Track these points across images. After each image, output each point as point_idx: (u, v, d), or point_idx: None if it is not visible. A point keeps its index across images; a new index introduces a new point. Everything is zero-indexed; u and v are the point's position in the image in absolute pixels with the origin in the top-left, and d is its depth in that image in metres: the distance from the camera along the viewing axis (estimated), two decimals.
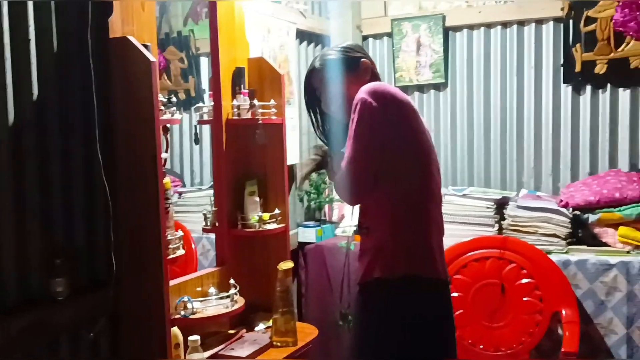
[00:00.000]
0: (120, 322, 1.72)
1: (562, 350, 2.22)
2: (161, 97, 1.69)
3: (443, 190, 2.76)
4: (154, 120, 1.61)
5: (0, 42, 1.45)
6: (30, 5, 1.52)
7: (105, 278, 1.69)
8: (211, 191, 2.19)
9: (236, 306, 1.93)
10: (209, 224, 2.13)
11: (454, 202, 2.71)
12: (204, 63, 2.55)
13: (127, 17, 1.70)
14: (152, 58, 1.61)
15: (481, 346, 2.46)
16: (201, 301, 1.88)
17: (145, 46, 1.65)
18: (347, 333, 2.51)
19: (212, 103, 2.11)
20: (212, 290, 1.96)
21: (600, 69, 2.73)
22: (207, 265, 2.36)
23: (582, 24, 2.72)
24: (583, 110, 2.83)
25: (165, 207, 1.68)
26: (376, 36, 3.25)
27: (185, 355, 1.76)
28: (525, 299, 2.42)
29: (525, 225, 2.54)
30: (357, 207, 1.66)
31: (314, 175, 2.94)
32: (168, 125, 1.80)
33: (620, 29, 2.62)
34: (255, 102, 2.11)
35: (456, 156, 3.11)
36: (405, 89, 3.13)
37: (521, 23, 2.92)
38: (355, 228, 1.70)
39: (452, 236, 2.55)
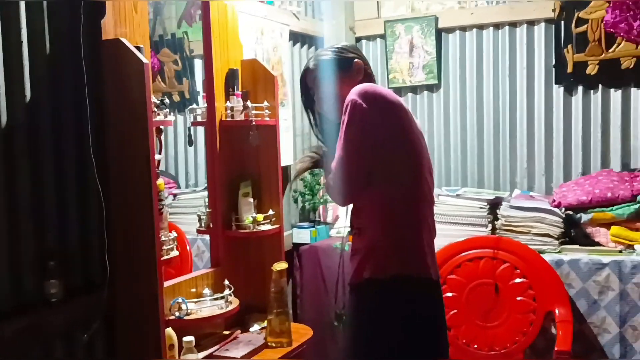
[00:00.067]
0: (114, 324, 1.72)
1: (556, 349, 2.23)
2: (154, 99, 1.69)
3: (436, 191, 2.78)
4: (146, 122, 1.61)
5: None
6: (22, 6, 1.52)
7: (99, 280, 1.69)
8: (206, 193, 2.19)
9: (231, 307, 1.93)
10: (203, 225, 2.13)
11: (448, 203, 2.72)
12: (198, 65, 2.55)
13: (120, 19, 1.70)
14: (144, 60, 1.62)
15: (475, 346, 2.47)
16: (195, 302, 1.89)
17: (138, 48, 1.65)
18: (342, 333, 2.51)
19: (206, 105, 2.11)
20: (206, 291, 1.96)
21: (591, 69, 2.75)
22: (202, 266, 2.36)
23: (573, 25, 2.74)
24: (575, 111, 2.85)
25: (159, 208, 1.68)
26: (369, 38, 3.26)
27: (179, 356, 1.76)
28: (518, 298, 2.43)
29: (519, 225, 2.55)
30: (350, 208, 1.67)
31: (308, 177, 2.95)
32: (161, 126, 1.80)
33: (611, 30, 2.64)
34: (249, 103, 2.11)
35: (449, 157, 3.12)
36: (398, 90, 3.14)
37: (513, 24, 2.94)
38: (349, 229, 1.71)
39: (446, 236, 2.57)
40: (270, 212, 2.19)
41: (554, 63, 2.84)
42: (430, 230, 1.61)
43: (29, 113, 1.54)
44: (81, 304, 1.65)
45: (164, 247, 1.71)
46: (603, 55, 2.71)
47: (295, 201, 2.96)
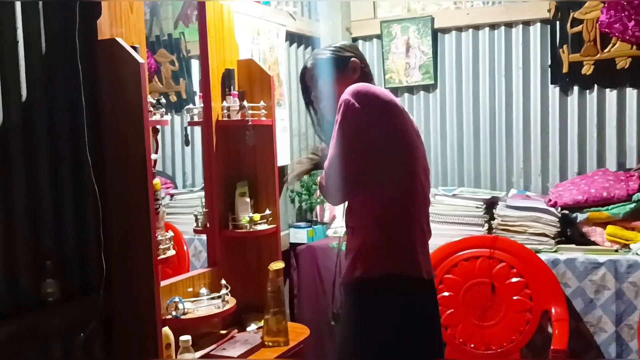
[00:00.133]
0: (111, 323, 1.72)
1: (552, 347, 2.23)
2: (150, 99, 1.69)
3: (433, 191, 2.79)
4: (143, 122, 1.62)
5: None
6: (18, 7, 1.52)
7: (96, 279, 1.69)
8: (203, 193, 2.20)
9: (227, 306, 1.93)
10: (200, 225, 2.13)
11: (444, 202, 2.73)
12: (195, 65, 2.56)
13: (116, 20, 1.70)
14: (140, 60, 1.62)
15: (472, 345, 2.47)
16: (192, 301, 1.89)
17: (134, 48, 1.66)
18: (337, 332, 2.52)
19: (202, 105, 2.12)
20: (203, 290, 1.96)
21: (587, 69, 2.76)
22: (199, 266, 2.36)
23: (568, 25, 2.75)
24: (571, 111, 2.86)
25: (156, 207, 1.69)
26: (365, 38, 3.27)
27: (176, 356, 1.76)
28: (515, 297, 2.44)
29: (515, 224, 2.56)
30: (345, 208, 1.68)
31: (305, 177, 2.96)
32: (158, 126, 1.80)
33: (606, 30, 2.65)
34: (245, 103, 2.12)
35: (446, 157, 3.13)
36: (395, 90, 3.15)
37: (509, 25, 2.95)
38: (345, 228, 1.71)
39: (442, 236, 2.57)
40: (267, 211, 2.19)
41: (549, 63, 2.85)
42: (424, 230, 1.60)
43: (25, 113, 1.54)
44: (78, 304, 1.65)
45: (161, 247, 1.72)
46: (598, 55, 2.72)
47: (292, 201, 2.96)
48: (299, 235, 2.88)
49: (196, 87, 2.52)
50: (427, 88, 3.15)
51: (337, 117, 1.51)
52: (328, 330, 2.68)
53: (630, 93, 2.73)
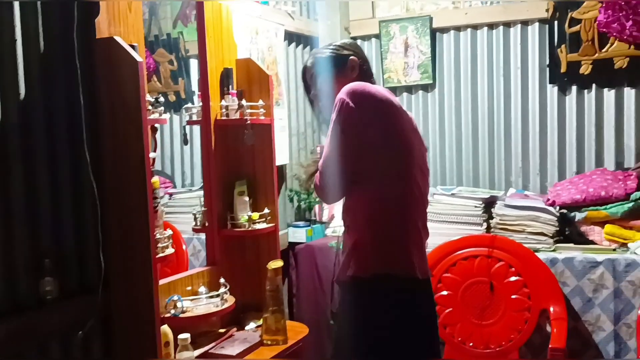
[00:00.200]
0: (110, 322, 1.72)
1: (550, 346, 2.23)
2: (148, 97, 1.69)
3: (431, 190, 2.78)
4: (141, 120, 1.62)
5: None
6: (16, 5, 1.52)
7: (94, 278, 1.69)
8: (201, 192, 2.20)
9: (226, 305, 1.93)
10: (198, 223, 2.14)
11: (443, 202, 2.73)
12: (194, 65, 2.56)
13: (114, 18, 1.71)
14: (138, 58, 1.62)
15: (471, 344, 2.47)
16: (191, 300, 1.89)
17: (132, 47, 1.66)
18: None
19: (201, 104, 2.12)
20: (202, 289, 1.97)
21: (585, 69, 2.76)
22: (198, 265, 2.37)
23: (566, 25, 2.76)
24: (569, 111, 2.86)
25: (154, 206, 1.69)
26: (364, 38, 3.27)
27: (175, 354, 1.76)
28: (513, 296, 2.44)
29: (513, 223, 2.56)
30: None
31: (303, 176, 2.96)
32: (156, 125, 1.81)
33: (604, 29, 2.65)
34: (244, 102, 2.12)
35: (445, 156, 3.13)
36: (393, 90, 3.15)
37: (507, 24, 2.95)
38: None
39: (441, 235, 2.58)
40: (266, 210, 2.20)
41: (547, 63, 2.86)
42: (419, 230, 1.59)
43: (23, 112, 1.54)
44: (77, 302, 1.65)
45: (159, 245, 1.72)
46: (596, 55, 2.73)
47: (291, 200, 2.96)
48: (298, 235, 2.88)
49: (195, 86, 2.53)
50: (426, 88, 3.16)
51: (332, 116, 1.52)
52: (327, 329, 2.68)
53: (628, 92, 2.74)
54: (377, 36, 3.20)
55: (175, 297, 1.83)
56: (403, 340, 1.51)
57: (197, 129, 2.26)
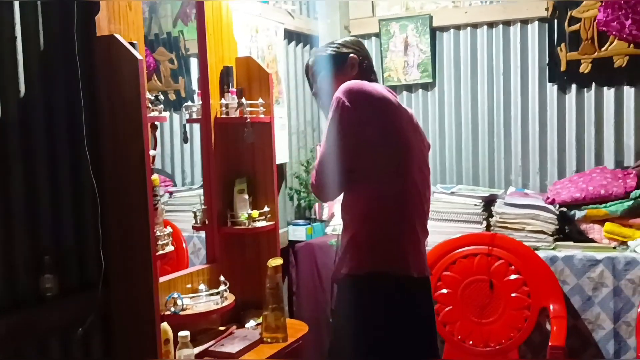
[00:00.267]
0: (110, 319, 1.72)
1: (550, 344, 2.23)
2: (148, 95, 1.70)
3: (431, 188, 2.79)
4: (141, 118, 1.62)
5: None
6: (16, 3, 1.52)
7: (94, 275, 1.69)
8: (201, 190, 2.20)
9: (226, 303, 1.94)
10: (198, 221, 2.14)
11: (443, 200, 2.73)
12: (194, 64, 2.56)
13: (114, 16, 1.71)
14: (139, 56, 1.63)
15: (470, 342, 2.48)
16: (191, 298, 1.89)
17: (132, 44, 1.66)
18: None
19: (201, 102, 2.12)
20: (202, 287, 1.97)
21: (584, 68, 2.77)
22: (198, 264, 2.37)
23: (566, 23, 2.76)
24: (569, 109, 2.86)
25: (154, 203, 1.69)
26: (364, 36, 3.27)
27: (175, 351, 1.76)
28: (513, 294, 2.44)
29: (513, 222, 2.56)
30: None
31: (303, 174, 2.96)
32: (156, 123, 1.81)
33: (604, 28, 2.65)
34: (244, 100, 2.12)
35: (445, 155, 3.14)
36: (393, 88, 3.13)
37: (507, 23, 2.96)
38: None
39: (441, 233, 2.58)
40: (266, 208, 2.20)
41: (547, 61, 2.86)
42: (416, 228, 1.58)
43: (23, 109, 1.54)
44: (76, 299, 1.65)
45: (159, 242, 1.72)
46: (596, 53, 2.73)
47: (291, 198, 2.97)
48: (298, 233, 2.88)
49: (195, 85, 2.53)
50: (426, 86, 3.16)
51: (329, 115, 1.52)
52: (326, 327, 2.68)
53: (628, 91, 2.74)
54: (377, 35, 3.20)
55: (175, 295, 1.83)
56: (398, 338, 1.51)
57: (197, 127, 2.26)
